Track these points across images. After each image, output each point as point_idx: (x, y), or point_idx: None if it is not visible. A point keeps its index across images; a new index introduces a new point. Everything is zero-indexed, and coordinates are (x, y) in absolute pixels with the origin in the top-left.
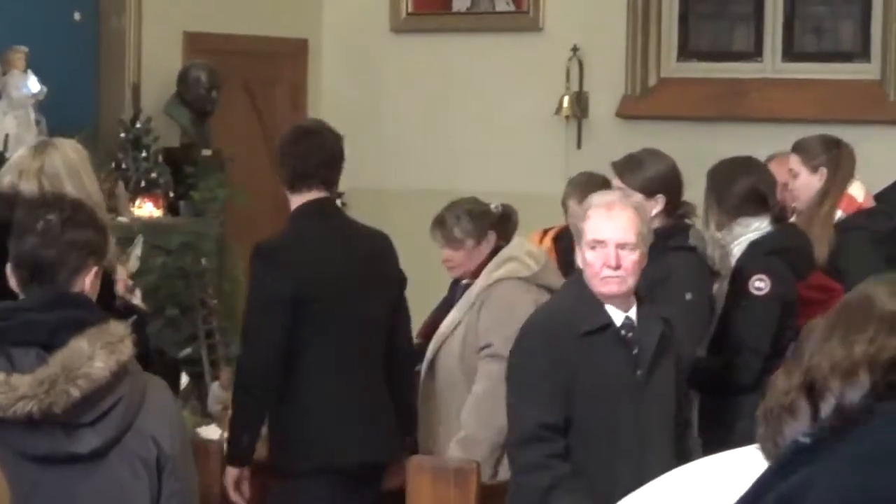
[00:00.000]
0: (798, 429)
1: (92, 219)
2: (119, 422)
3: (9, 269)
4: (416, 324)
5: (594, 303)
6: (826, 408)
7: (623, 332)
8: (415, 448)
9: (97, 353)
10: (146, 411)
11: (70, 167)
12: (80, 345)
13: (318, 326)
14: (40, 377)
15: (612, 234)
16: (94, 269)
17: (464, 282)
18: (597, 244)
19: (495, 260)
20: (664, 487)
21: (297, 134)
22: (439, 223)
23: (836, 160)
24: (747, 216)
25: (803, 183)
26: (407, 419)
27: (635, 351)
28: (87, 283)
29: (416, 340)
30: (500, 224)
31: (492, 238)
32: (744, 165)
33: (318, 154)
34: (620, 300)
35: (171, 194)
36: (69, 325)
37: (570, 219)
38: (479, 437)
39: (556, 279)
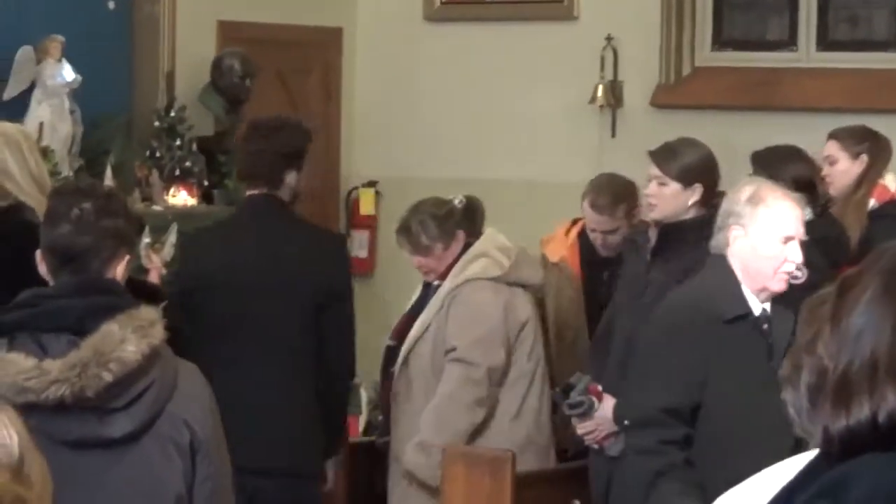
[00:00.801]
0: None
1: (124, 207)
2: (151, 405)
3: (38, 255)
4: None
5: (736, 291)
6: (861, 412)
7: (761, 322)
8: (387, 450)
9: (129, 337)
10: (179, 395)
11: (14, 148)
12: (111, 329)
13: (199, 322)
14: (72, 361)
15: (799, 230)
16: (126, 257)
17: (435, 283)
18: (789, 239)
19: (465, 258)
20: (765, 481)
21: (250, 130)
22: (405, 230)
23: (876, 148)
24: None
25: (842, 170)
26: (333, 431)
27: (770, 341)
28: (119, 271)
29: (388, 342)
30: (466, 218)
31: (461, 237)
32: (794, 153)
33: (263, 152)
34: (768, 293)
35: (205, 182)
36: (99, 311)
37: (585, 217)
38: (436, 441)
39: (531, 274)
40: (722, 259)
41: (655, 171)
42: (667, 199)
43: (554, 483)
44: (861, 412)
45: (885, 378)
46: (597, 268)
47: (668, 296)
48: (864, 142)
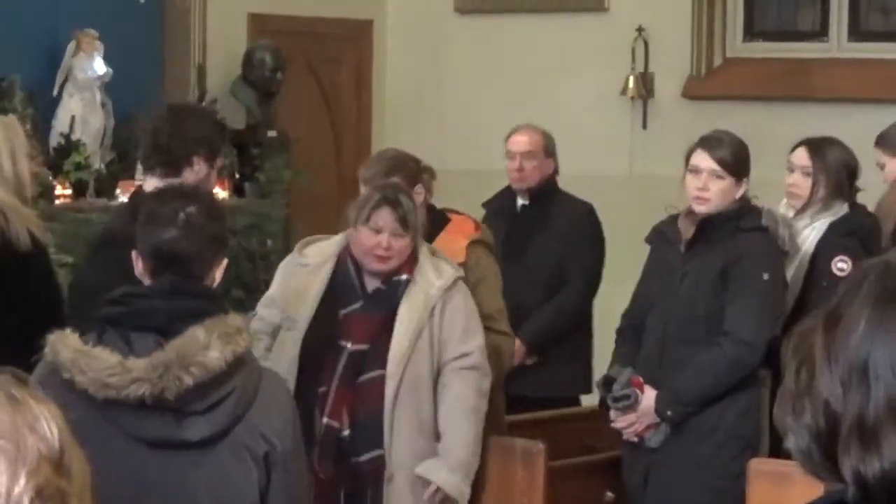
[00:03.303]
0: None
1: (221, 211)
2: (230, 413)
3: (135, 255)
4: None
5: None
6: (893, 452)
7: None
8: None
9: (213, 343)
10: (259, 405)
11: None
12: (196, 334)
13: None
14: (155, 362)
15: None
16: (224, 261)
17: (403, 277)
18: None
19: (424, 251)
20: None
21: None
22: (394, 203)
23: None
24: (841, 196)
25: (892, 170)
26: None
27: None
28: (217, 275)
29: (352, 346)
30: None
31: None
32: (843, 146)
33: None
34: None
35: (237, 175)
36: (188, 314)
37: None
38: (474, 462)
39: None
40: None
41: (711, 164)
42: (722, 194)
43: (587, 475)
44: (893, 452)
45: None
46: None
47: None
48: None
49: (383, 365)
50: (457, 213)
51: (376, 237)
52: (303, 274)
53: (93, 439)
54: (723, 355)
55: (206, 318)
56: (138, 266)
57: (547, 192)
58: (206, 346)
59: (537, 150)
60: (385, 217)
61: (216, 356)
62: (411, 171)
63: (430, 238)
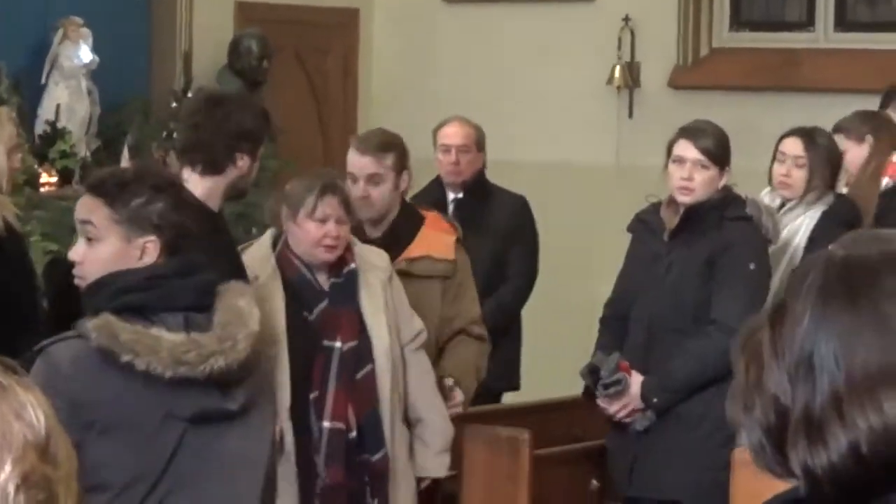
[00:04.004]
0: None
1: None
2: (262, 378)
3: (135, 242)
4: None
5: None
6: (839, 444)
7: None
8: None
9: (252, 309)
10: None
11: None
12: (237, 303)
13: None
14: (221, 334)
15: None
16: None
17: (352, 266)
18: None
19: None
20: None
21: None
22: (334, 190)
23: (878, 127)
24: (831, 186)
25: (852, 157)
26: None
27: None
28: None
29: (349, 344)
30: None
31: None
32: (828, 135)
33: None
34: None
35: None
36: (209, 289)
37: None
38: (450, 430)
39: None
40: None
41: (696, 154)
42: (706, 183)
43: (573, 463)
44: (839, 445)
45: (850, 407)
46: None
47: None
48: (866, 124)
49: (369, 360)
50: (423, 208)
51: (323, 227)
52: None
53: (144, 419)
54: (710, 343)
55: (218, 289)
56: (139, 251)
57: (480, 186)
58: (250, 311)
59: (471, 144)
60: (332, 205)
61: (258, 317)
62: (403, 153)
63: (412, 233)
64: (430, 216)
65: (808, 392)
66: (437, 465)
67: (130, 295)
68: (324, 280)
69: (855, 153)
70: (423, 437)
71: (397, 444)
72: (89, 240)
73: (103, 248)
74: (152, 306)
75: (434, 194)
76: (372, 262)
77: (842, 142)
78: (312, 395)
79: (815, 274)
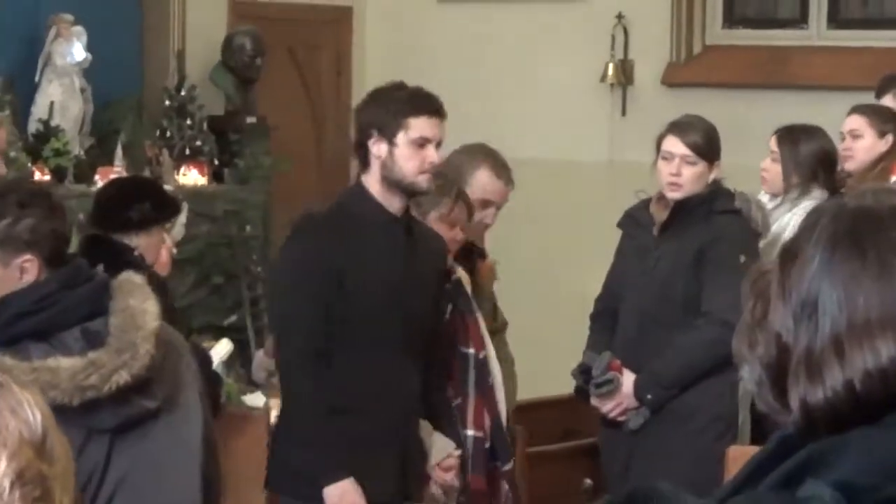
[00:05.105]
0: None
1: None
2: (174, 365)
3: (12, 261)
4: None
5: None
6: (836, 382)
7: None
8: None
9: (146, 302)
10: (181, 344)
11: None
12: (129, 302)
13: None
14: (118, 345)
15: None
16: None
17: (456, 276)
18: None
19: None
20: None
21: None
22: (461, 195)
23: None
24: (817, 183)
25: (866, 146)
26: None
27: None
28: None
29: (482, 352)
30: None
31: None
32: (820, 133)
33: None
34: None
35: (216, 162)
36: (101, 292)
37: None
38: None
39: None
40: None
41: (684, 150)
42: (695, 179)
43: (566, 461)
44: (836, 383)
45: (850, 348)
46: None
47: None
48: (891, 122)
49: (489, 369)
50: None
51: (452, 231)
52: None
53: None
54: (701, 336)
55: (111, 287)
56: (18, 271)
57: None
58: (143, 309)
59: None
60: (462, 210)
61: (154, 312)
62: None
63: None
64: None
65: (811, 332)
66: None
67: (24, 321)
68: None
69: (871, 143)
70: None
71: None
72: None
73: None
74: (46, 329)
75: None
76: (454, 267)
77: (862, 125)
78: (455, 402)
79: (826, 221)
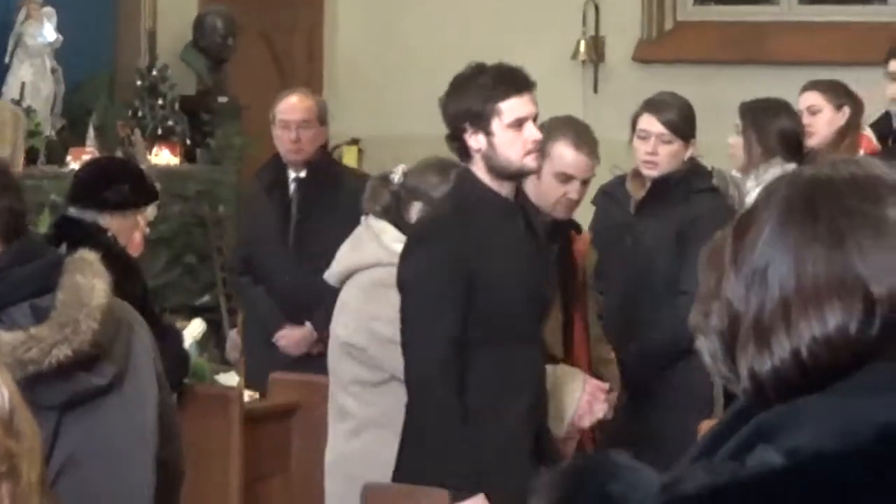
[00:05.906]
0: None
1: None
2: (125, 341)
3: None
4: None
5: None
6: (783, 351)
7: None
8: None
9: (94, 280)
10: (136, 324)
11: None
12: (76, 280)
13: None
14: (61, 320)
15: None
16: None
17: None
18: None
19: None
20: None
21: None
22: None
23: (855, 102)
24: (782, 158)
25: (826, 120)
26: None
27: None
28: None
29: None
30: None
31: None
32: (783, 106)
33: None
34: None
35: (188, 142)
36: (52, 268)
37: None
38: None
39: None
40: None
41: (660, 128)
42: (671, 157)
43: None
44: (783, 351)
45: (797, 315)
46: None
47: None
48: (845, 95)
49: None
50: None
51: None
52: None
53: None
54: (679, 315)
55: (61, 266)
56: None
57: (325, 165)
58: (91, 285)
59: (312, 119)
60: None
61: (102, 289)
62: None
63: None
64: None
65: (760, 299)
66: None
67: None
68: None
69: (830, 117)
70: None
71: None
72: None
73: None
74: (5, 300)
75: (273, 173)
76: None
77: (818, 100)
78: None
79: (781, 189)
